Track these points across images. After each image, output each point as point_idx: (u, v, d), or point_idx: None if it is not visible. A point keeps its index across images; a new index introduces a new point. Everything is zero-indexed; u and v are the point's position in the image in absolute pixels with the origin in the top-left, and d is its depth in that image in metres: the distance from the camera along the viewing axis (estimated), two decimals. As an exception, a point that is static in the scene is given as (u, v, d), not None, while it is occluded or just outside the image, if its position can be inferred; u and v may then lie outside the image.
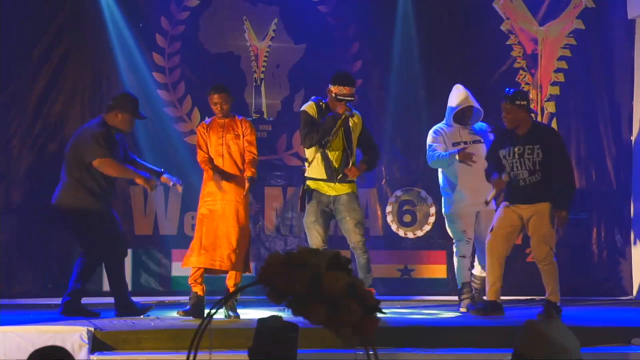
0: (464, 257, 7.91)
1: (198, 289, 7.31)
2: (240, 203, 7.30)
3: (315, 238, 7.40)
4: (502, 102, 7.40)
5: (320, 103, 7.49)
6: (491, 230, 7.42)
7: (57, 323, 6.83)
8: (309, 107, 7.49)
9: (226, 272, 7.34)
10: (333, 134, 7.34)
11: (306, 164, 7.52)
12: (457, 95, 7.96)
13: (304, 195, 7.49)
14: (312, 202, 7.42)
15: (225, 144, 7.34)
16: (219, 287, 7.61)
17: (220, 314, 7.28)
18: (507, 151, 7.34)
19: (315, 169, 7.45)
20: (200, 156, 7.39)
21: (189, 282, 7.37)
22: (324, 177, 7.41)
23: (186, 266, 7.38)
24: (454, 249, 7.97)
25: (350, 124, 7.45)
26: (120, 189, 9.15)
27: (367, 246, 7.50)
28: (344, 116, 7.33)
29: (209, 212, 7.29)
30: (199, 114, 9.17)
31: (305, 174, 7.50)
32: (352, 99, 7.42)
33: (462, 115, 7.95)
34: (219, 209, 7.27)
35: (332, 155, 7.41)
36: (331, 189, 7.42)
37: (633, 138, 9.52)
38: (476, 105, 7.97)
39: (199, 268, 7.28)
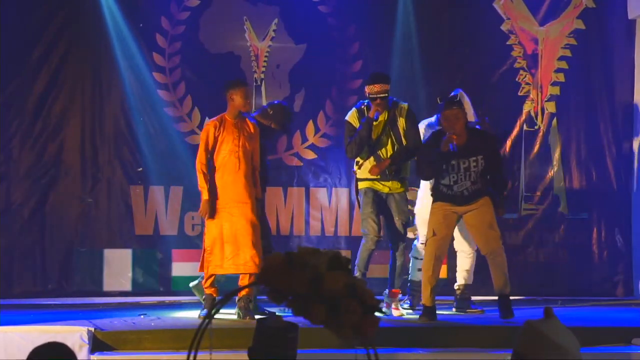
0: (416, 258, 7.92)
1: (212, 291, 7.37)
2: (252, 204, 7.32)
3: (372, 227, 7.50)
4: (450, 108, 7.21)
5: (363, 107, 7.61)
6: (433, 236, 7.26)
7: (57, 323, 6.84)
8: (351, 116, 7.66)
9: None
10: (368, 138, 7.44)
11: (355, 167, 7.64)
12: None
13: (357, 193, 7.65)
14: (368, 196, 7.54)
15: (242, 145, 7.35)
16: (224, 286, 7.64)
17: (232, 313, 7.31)
18: (449, 164, 7.21)
19: (366, 170, 7.57)
20: (201, 160, 7.35)
21: (204, 285, 7.40)
22: (377, 176, 7.53)
23: (212, 273, 7.35)
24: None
25: (397, 120, 7.54)
26: (120, 189, 9.17)
27: (405, 250, 7.65)
28: (372, 119, 7.44)
29: (227, 218, 7.28)
30: (199, 114, 9.17)
31: (357, 176, 7.64)
32: (385, 94, 7.46)
33: None
34: (237, 213, 7.27)
35: (383, 153, 7.54)
36: (385, 187, 7.56)
37: (633, 138, 9.52)
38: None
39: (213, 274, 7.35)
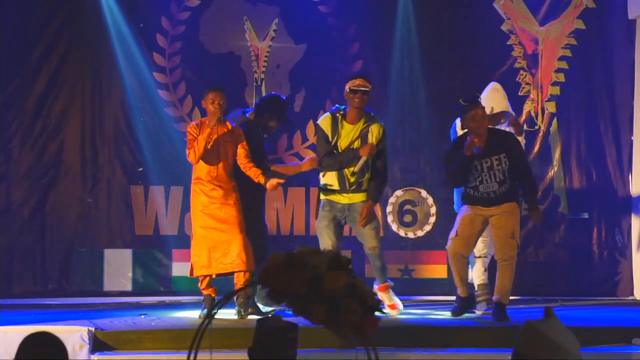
0: (479, 257, 7.93)
1: (210, 292, 7.37)
2: (237, 206, 7.33)
3: (325, 242, 7.40)
4: (476, 107, 7.24)
5: (337, 114, 7.46)
6: (455, 236, 7.36)
7: (57, 323, 6.83)
8: (323, 120, 7.50)
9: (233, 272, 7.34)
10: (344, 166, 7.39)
11: (321, 174, 7.56)
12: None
13: (318, 203, 7.54)
14: (326, 209, 7.44)
15: (224, 150, 7.35)
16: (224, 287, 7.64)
17: (231, 314, 7.31)
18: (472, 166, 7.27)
19: (328, 178, 7.48)
20: (192, 153, 7.37)
21: (200, 287, 7.40)
22: (337, 187, 7.43)
23: (198, 275, 7.36)
24: None
25: (369, 136, 7.44)
26: (120, 189, 9.17)
27: (382, 252, 7.54)
28: (362, 158, 7.33)
29: (212, 220, 7.29)
30: (200, 114, 9.16)
31: (320, 183, 7.54)
32: (366, 88, 7.39)
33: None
34: (222, 215, 7.27)
35: (347, 170, 7.43)
36: (344, 198, 7.44)
37: (633, 138, 9.52)
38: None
39: (208, 275, 7.34)
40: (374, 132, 7.44)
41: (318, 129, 7.54)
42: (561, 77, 9.56)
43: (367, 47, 9.48)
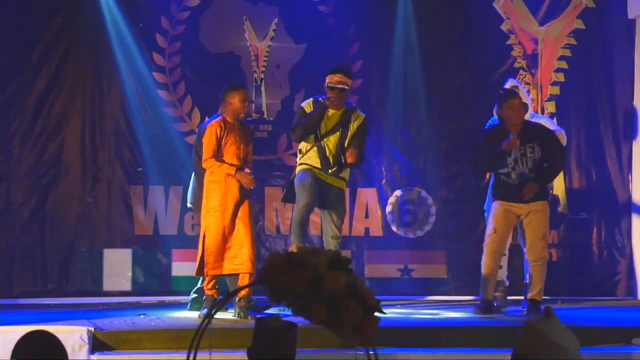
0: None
1: (213, 293, 7.36)
2: (248, 202, 7.35)
3: (305, 198, 7.29)
4: (514, 96, 7.47)
5: (320, 100, 7.50)
6: (493, 232, 7.46)
7: (57, 323, 6.83)
8: (306, 104, 7.56)
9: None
10: (316, 124, 7.35)
11: (299, 155, 7.53)
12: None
13: (292, 183, 7.48)
14: (308, 174, 7.36)
15: (242, 149, 7.37)
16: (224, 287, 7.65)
17: (230, 314, 7.31)
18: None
19: (309, 158, 7.46)
20: (211, 159, 7.33)
21: (204, 288, 7.38)
22: (318, 166, 7.43)
23: (212, 274, 7.32)
24: None
25: (350, 123, 7.46)
26: (120, 189, 9.16)
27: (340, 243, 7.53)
28: (324, 104, 7.34)
29: (223, 218, 7.27)
30: (199, 114, 9.16)
31: (298, 162, 7.52)
32: (344, 87, 7.40)
33: None
34: (234, 213, 7.27)
35: (328, 150, 7.44)
36: (325, 177, 7.45)
37: (633, 138, 9.52)
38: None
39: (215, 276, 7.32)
40: (357, 119, 7.50)
41: (299, 110, 7.55)
42: (561, 77, 9.56)
43: (367, 47, 9.48)
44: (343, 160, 7.43)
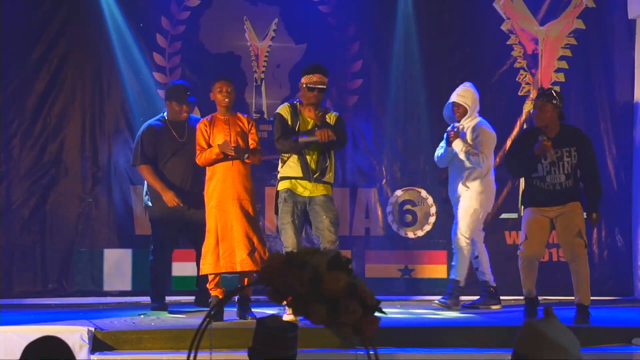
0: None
1: (217, 293, 7.28)
2: (249, 200, 7.29)
3: (290, 238, 7.22)
4: (537, 99, 7.41)
5: (295, 103, 7.42)
6: (526, 239, 7.37)
7: (57, 323, 6.84)
8: (282, 109, 7.42)
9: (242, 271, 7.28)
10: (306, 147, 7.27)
11: (280, 163, 7.42)
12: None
13: (277, 197, 7.39)
14: (288, 203, 7.28)
15: (234, 139, 7.31)
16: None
17: (233, 314, 7.30)
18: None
19: (290, 168, 7.32)
20: (198, 156, 7.33)
21: (208, 287, 7.33)
22: (300, 175, 7.29)
23: (205, 273, 7.28)
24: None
25: (327, 121, 7.38)
26: (120, 189, 9.16)
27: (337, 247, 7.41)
28: (320, 138, 7.18)
29: (221, 215, 7.24)
30: (200, 114, 9.16)
31: (280, 175, 7.40)
32: (323, 87, 7.33)
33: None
34: (232, 210, 7.23)
35: (310, 157, 7.32)
36: (306, 190, 7.31)
37: (633, 138, 9.52)
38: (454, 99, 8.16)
39: (218, 273, 7.27)
40: (331, 120, 7.39)
41: (276, 116, 7.41)
42: (561, 77, 9.56)
43: (367, 47, 9.48)
44: (327, 162, 7.35)
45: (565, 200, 7.31)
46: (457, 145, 7.99)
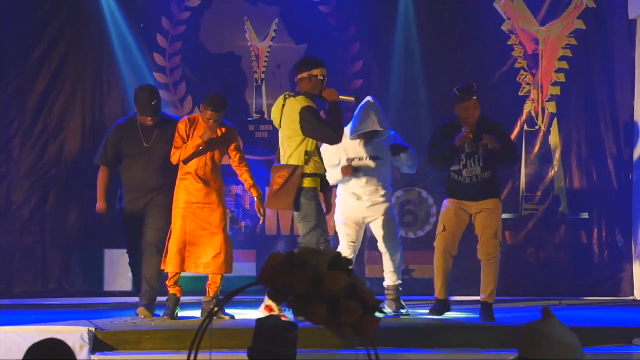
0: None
1: (175, 291, 7.32)
2: (221, 207, 7.31)
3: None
4: (470, 98, 7.33)
5: (306, 93, 7.10)
6: (443, 231, 7.41)
7: (57, 323, 6.84)
8: (308, 100, 7.00)
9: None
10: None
11: (304, 158, 6.95)
12: (364, 117, 7.66)
13: (301, 193, 6.94)
14: (317, 199, 6.96)
15: (212, 152, 7.32)
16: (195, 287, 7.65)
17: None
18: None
19: (317, 164, 7.02)
20: (173, 155, 7.30)
21: (167, 284, 7.34)
22: (323, 172, 7.11)
23: (168, 270, 7.30)
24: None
25: None
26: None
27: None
28: (354, 98, 7.30)
29: (191, 218, 7.24)
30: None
31: (306, 170, 6.94)
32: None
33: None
34: (203, 215, 7.24)
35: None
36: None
37: (634, 138, 9.52)
38: (379, 128, 7.68)
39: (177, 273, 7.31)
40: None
41: (312, 110, 6.93)
42: (561, 77, 9.56)
43: (367, 47, 9.48)
44: None
45: (484, 195, 7.37)
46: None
